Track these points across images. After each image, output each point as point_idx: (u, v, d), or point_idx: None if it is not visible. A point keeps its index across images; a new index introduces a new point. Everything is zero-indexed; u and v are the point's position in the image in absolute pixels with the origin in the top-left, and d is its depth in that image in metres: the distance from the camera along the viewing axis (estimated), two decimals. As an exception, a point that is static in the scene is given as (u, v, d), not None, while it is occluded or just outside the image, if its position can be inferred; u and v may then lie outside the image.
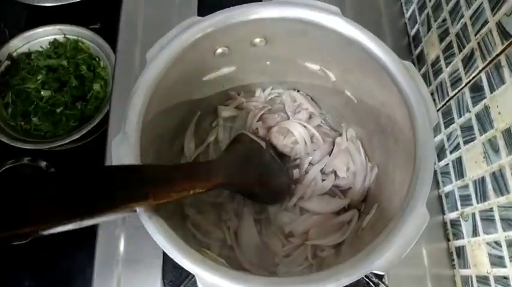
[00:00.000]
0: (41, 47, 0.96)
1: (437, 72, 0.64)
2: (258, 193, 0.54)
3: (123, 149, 0.38)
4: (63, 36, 0.96)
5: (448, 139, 0.61)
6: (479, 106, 0.52)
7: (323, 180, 0.58)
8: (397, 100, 0.43)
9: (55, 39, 0.95)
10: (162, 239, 0.36)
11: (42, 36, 0.95)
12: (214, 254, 0.49)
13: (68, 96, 0.90)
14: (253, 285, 0.35)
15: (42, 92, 0.90)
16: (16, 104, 0.90)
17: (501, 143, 0.48)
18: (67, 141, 0.86)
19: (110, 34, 0.85)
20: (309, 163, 0.59)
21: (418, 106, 0.41)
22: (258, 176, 0.53)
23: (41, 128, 0.90)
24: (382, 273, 0.35)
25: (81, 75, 0.93)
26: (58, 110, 0.90)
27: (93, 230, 0.63)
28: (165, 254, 0.59)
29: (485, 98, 0.51)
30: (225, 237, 0.56)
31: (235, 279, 0.35)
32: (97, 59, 0.96)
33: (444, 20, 0.62)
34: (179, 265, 0.52)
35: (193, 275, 0.36)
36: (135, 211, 0.35)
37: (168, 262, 0.59)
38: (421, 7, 0.70)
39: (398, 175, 0.46)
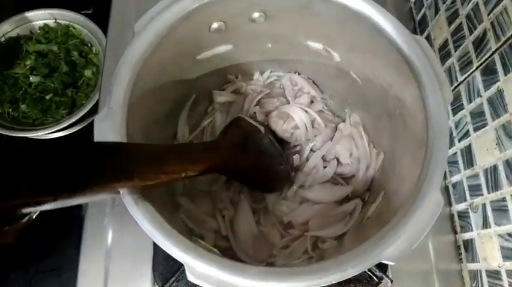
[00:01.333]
0: (31, 31, 0.92)
1: (446, 56, 0.61)
2: (256, 180, 0.50)
3: (107, 126, 0.35)
4: (54, 21, 0.92)
5: (457, 127, 0.58)
6: (492, 90, 0.49)
7: (324, 167, 0.54)
8: (407, 79, 0.40)
9: (45, 23, 0.91)
10: (148, 224, 0.32)
11: (32, 21, 0.91)
12: (208, 244, 0.46)
13: (58, 83, 0.87)
14: (248, 276, 0.31)
15: (31, 78, 0.86)
16: (3, 90, 0.86)
17: (516, 128, 0.45)
18: (56, 129, 0.82)
19: (103, 19, 0.81)
20: (310, 150, 0.56)
21: (430, 84, 0.37)
22: (256, 162, 0.50)
23: (30, 116, 0.87)
24: (391, 263, 0.32)
25: (72, 61, 0.90)
26: (47, 97, 0.87)
27: (80, 219, 0.60)
28: (155, 245, 0.56)
29: (498, 81, 0.48)
30: (219, 227, 0.53)
31: (229, 269, 0.31)
32: (89, 45, 0.92)
33: (453, 2, 0.59)
34: (170, 257, 0.48)
35: (186, 267, 0.33)
36: (119, 192, 0.32)
37: (158, 254, 0.55)
38: (429, -11, 0.67)
39: (406, 160, 0.43)
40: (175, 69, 0.47)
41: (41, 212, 0.27)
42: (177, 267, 0.54)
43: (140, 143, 0.38)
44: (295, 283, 0.31)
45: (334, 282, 0.31)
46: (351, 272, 0.31)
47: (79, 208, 0.70)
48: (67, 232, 0.65)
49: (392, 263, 0.32)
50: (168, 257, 0.57)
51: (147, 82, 0.41)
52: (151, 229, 0.32)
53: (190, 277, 0.32)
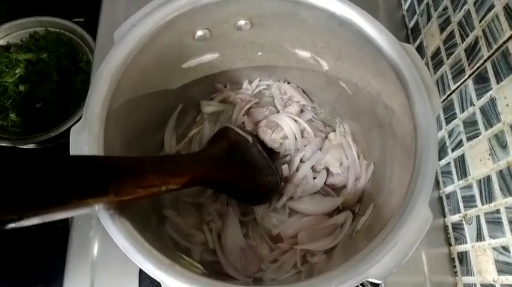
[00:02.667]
0: (21, 40, 0.91)
1: (438, 64, 0.60)
2: (244, 191, 0.49)
3: (83, 138, 0.34)
4: (44, 29, 0.91)
5: (450, 136, 0.57)
6: (485, 98, 0.48)
7: (314, 178, 0.53)
8: (395, 87, 0.39)
9: (35, 31, 0.91)
10: (123, 241, 0.31)
11: (22, 29, 0.91)
12: (192, 260, 0.44)
13: (48, 91, 0.86)
14: (227, 294, 0.30)
15: (20, 87, 0.85)
16: (-8, 99, 0.85)
17: (509, 138, 0.44)
18: (45, 138, 0.81)
19: (95, 28, 0.81)
20: (300, 160, 0.54)
21: (418, 93, 0.36)
22: (244, 173, 0.48)
23: (19, 125, 0.85)
24: (378, 282, 0.30)
25: (62, 70, 0.89)
26: (37, 106, 0.85)
27: (66, 231, 0.58)
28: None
29: (491, 89, 0.47)
30: (207, 240, 0.51)
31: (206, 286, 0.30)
32: (80, 53, 0.91)
33: (445, 9, 0.58)
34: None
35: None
36: (94, 207, 0.30)
37: (145, 268, 0.54)
38: (421, -4, 0.66)
39: (396, 171, 0.42)
40: (158, 78, 0.46)
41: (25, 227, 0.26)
42: (163, 281, 0.52)
43: (116, 156, 0.36)
44: (276, 303, 0.30)
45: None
46: (335, 290, 0.30)
47: (65, 221, 0.69)
48: (53, 244, 0.64)
49: (378, 282, 0.30)
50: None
51: (127, 92, 0.40)
52: (127, 246, 0.31)
53: (167, 296, 0.30)
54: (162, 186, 0.35)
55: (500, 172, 0.46)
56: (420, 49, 0.66)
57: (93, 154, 0.33)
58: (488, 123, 0.48)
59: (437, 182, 0.60)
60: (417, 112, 0.36)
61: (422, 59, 0.64)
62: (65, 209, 0.27)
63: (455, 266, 0.56)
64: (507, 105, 0.44)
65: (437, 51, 0.60)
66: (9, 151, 0.82)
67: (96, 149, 0.34)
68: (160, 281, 0.30)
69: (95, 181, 0.29)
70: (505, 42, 0.44)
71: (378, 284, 0.50)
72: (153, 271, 0.31)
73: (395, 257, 0.31)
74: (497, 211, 0.46)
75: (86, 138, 0.34)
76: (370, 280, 0.30)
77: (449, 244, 0.57)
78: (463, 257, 0.54)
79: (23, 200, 0.25)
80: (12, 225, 0.25)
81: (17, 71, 0.86)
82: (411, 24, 0.70)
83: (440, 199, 0.60)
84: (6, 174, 0.25)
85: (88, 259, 0.56)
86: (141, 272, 0.54)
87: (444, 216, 0.59)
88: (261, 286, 0.33)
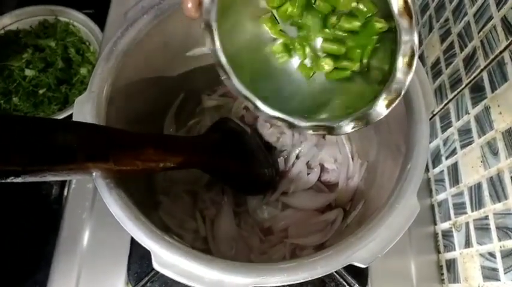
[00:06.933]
0: (31, 26, 0.92)
1: (437, 74, 0.61)
2: (240, 180, 0.50)
3: (87, 108, 0.34)
4: (54, 17, 0.93)
5: (445, 144, 0.58)
6: (479, 107, 0.49)
7: (308, 174, 0.54)
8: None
9: (45, 19, 0.92)
10: (117, 208, 0.32)
11: (33, 16, 0.92)
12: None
13: (53, 78, 0.86)
14: (215, 268, 0.30)
15: (26, 71, 0.86)
16: (-3, 81, 0.86)
17: (501, 145, 0.45)
18: (46, 123, 0.82)
19: (103, 19, 0.82)
20: (296, 156, 0.55)
21: (413, 89, 0.37)
22: (241, 162, 0.49)
23: (21, 109, 0.86)
24: (362, 266, 0.31)
25: (68, 58, 0.90)
26: (41, 92, 0.86)
27: (60, 212, 0.59)
28: (132, 243, 0.55)
29: (485, 98, 0.48)
30: (198, 228, 0.51)
31: (196, 259, 0.31)
32: (87, 44, 0.93)
33: (446, 20, 0.60)
34: (146, 256, 0.47)
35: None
36: (92, 173, 0.31)
37: (134, 253, 0.54)
38: (424, 8, 0.68)
39: (388, 167, 0.42)
40: (162, 63, 0.47)
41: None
42: (152, 267, 0.53)
43: (119, 128, 0.37)
44: (262, 279, 0.30)
45: (302, 281, 0.30)
46: (320, 271, 0.31)
47: (59, 202, 0.69)
48: (45, 225, 0.64)
49: (363, 266, 0.31)
50: (144, 257, 0.56)
51: (131, 72, 0.41)
52: (120, 213, 0.32)
53: (156, 266, 0.31)
54: (160, 162, 0.36)
55: (491, 178, 0.47)
56: (421, 59, 0.67)
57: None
58: (482, 131, 0.49)
59: (429, 190, 0.61)
60: (411, 107, 0.37)
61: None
62: (66, 170, 0.28)
63: (442, 274, 0.56)
64: (500, 113, 0.45)
65: (437, 61, 0.62)
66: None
67: (98, 120, 0.35)
68: (150, 250, 0.31)
69: (97, 147, 0.30)
70: (501, 52, 0.45)
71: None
72: (144, 240, 0.31)
73: (381, 244, 0.32)
74: (486, 217, 0.47)
75: (89, 109, 0.35)
76: (356, 263, 0.31)
77: (438, 252, 0.58)
78: (450, 264, 0.55)
79: (29, 154, 0.26)
80: (14, 178, 0.25)
81: (24, 56, 0.87)
82: (413, 36, 0.72)
83: (432, 207, 0.60)
84: (16, 129, 0.25)
85: (79, 241, 0.56)
86: (130, 257, 0.54)
87: (435, 224, 0.59)
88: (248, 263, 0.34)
